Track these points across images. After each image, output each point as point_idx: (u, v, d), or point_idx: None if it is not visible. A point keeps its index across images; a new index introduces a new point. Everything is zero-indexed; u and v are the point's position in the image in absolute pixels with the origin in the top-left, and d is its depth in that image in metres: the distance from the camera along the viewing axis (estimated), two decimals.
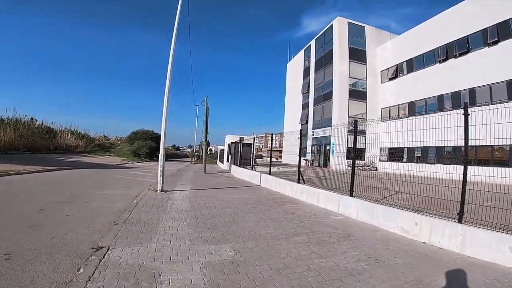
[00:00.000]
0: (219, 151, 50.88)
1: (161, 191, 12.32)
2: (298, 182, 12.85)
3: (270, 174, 16.39)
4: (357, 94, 35.92)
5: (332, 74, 36.58)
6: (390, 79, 35.34)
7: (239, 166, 23.28)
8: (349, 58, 35.82)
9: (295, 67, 50.92)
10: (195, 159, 52.71)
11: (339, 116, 32.53)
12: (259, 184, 16.85)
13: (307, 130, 37.47)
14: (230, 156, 31.58)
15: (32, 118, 38.50)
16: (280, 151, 58.33)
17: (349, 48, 36.12)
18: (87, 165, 24.45)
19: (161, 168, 12.83)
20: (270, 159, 18.45)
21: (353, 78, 35.97)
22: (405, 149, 25.40)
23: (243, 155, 24.27)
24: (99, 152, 46.17)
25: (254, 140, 25.22)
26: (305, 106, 44.21)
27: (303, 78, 45.76)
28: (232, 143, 30.41)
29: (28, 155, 28.28)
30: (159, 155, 13.40)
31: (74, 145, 43.56)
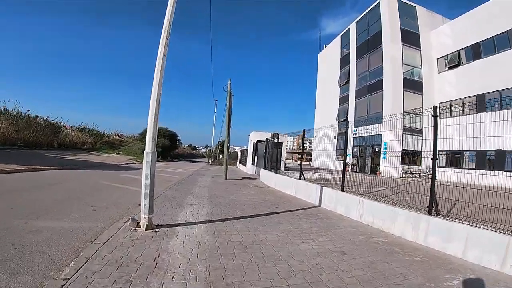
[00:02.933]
0: (239, 151, 45.25)
1: (146, 229, 6.01)
2: (431, 214, 6.62)
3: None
4: (412, 84, 30.45)
5: (381, 60, 31.12)
6: (450, 68, 29.74)
7: (270, 171, 17.85)
8: (402, 42, 30.52)
9: (328, 57, 45.45)
10: (212, 159, 49.18)
11: (392, 111, 26.05)
12: (317, 204, 10.85)
13: (346, 129, 30.97)
14: (255, 157, 26.63)
15: (36, 116, 34.66)
16: (299, 153, 52.62)
17: (401, 29, 30.79)
18: (83, 165, 20.49)
19: (148, 182, 6.57)
20: (300, 162, 14.58)
21: (407, 65, 30.55)
22: (473, 153, 23.28)
23: (273, 157, 18.97)
24: (107, 149, 42.40)
25: (280, 138, 20.09)
26: (343, 100, 38.55)
27: (340, 68, 40.27)
28: (258, 141, 25.51)
29: (22, 151, 25.02)
30: (145, 153, 6.88)
31: (80, 142, 39.73)
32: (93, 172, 17.22)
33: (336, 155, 31.10)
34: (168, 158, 49.53)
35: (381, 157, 25.73)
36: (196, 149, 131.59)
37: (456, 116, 21.50)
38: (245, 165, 32.79)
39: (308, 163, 42.20)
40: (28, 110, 33.20)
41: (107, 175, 16.29)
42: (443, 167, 24.31)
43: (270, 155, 19.22)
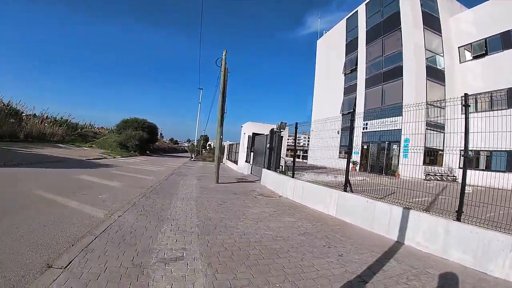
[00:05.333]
0: (226, 146, 40.79)
1: None
2: None
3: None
4: (434, 73, 26.70)
5: (400, 44, 27.20)
6: (475, 57, 26.53)
7: (279, 173, 13.94)
8: (423, 25, 26.78)
9: (330, 43, 41.08)
10: (195, 155, 44.87)
11: (415, 101, 21.91)
12: (395, 239, 6.47)
13: (351, 121, 26.51)
14: (251, 153, 22.08)
15: None
16: (290, 150, 48.70)
17: (422, 11, 27.04)
18: (36, 161, 16.74)
19: None
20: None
21: (429, 51, 26.76)
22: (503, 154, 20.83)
23: (278, 153, 14.85)
24: (78, 142, 38.27)
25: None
26: (349, 90, 34.27)
27: (346, 55, 35.82)
28: (255, 134, 21.40)
29: None
30: None
31: (49, 133, 35.67)
32: (38, 173, 12.78)
33: (339, 153, 27.22)
34: (147, 152, 45.53)
35: (401, 156, 21.54)
36: (178, 143, 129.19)
37: (482, 111, 17.85)
38: (236, 163, 28.14)
39: (300, 160, 38.00)
40: None
41: (54, 178, 11.76)
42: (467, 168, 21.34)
43: (276, 152, 14.71)
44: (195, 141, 53.00)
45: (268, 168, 14.75)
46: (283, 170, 14.58)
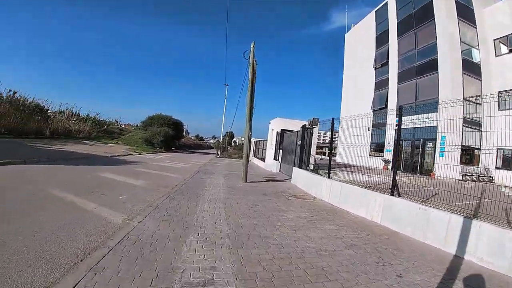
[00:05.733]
0: (253, 143, 40.11)
1: None
2: None
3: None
4: (470, 67, 24.94)
5: (434, 36, 25.59)
6: None
7: (311, 172, 12.89)
8: (458, 16, 25.09)
9: (358, 37, 39.58)
10: (221, 151, 44.27)
11: (452, 97, 20.52)
12: (461, 256, 5.30)
13: (383, 118, 25.38)
14: (279, 151, 21.16)
15: (20, 97, 31.11)
16: (322, 148, 47.34)
17: (455, 2, 25.33)
18: (61, 157, 16.25)
19: None
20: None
21: (465, 43, 25.04)
22: None
23: (309, 151, 13.92)
24: (105, 139, 38.31)
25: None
26: (380, 85, 32.68)
27: (376, 48, 34.25)
28: (284, 131, 20.46)
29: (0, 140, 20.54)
30: None
31: (75, 130, 35.84)
32: (58, 170, 12.25)
33: (370, 150, 26.01)
34: (173, 148, 45.36)
35: (436, 154, 20.15)
36: (204, 140, 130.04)
37: None
38: (263, 160, 27.29)
39: (325, 157, 36.79)
40: (11, 91, 29.69)
41: (74, 176, 11.16)
42: (506, 169, 20.84)
43: (307, 149, 13.81)
44: (221, 137, 52.48)
45: (300, 167, 13.84)
46: (314, 168, 13.71)
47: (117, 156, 22.59)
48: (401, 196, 7.28)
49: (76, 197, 7.48)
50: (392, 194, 7.42)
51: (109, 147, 29.83)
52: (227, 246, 4.72)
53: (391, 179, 7.53)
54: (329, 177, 10.48)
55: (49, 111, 35.67)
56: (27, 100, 31.64)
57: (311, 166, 13.77)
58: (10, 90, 29.84)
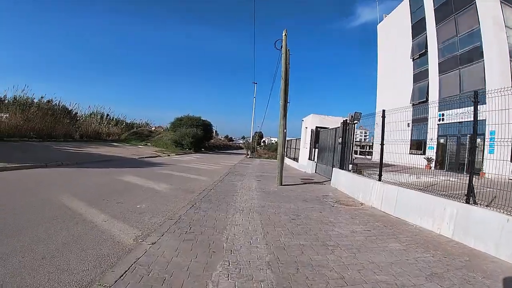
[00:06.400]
0: (285, 142, 39.00)
1: None
2: None
3: None
4: None
5: (477, 21, 23.23)
6: None
7: (350, 172, 12.03)
8: None
9: (392, 27, 37.30)
10: (250, 151, 43.29)
11: (499, 85, 18.58)
12: None
13: (424, 112, 23.40)
14: (314, 150, 19.74)
15: (48, 101, 31.70)
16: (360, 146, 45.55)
17: None
18: (89, 160, 16.22)
19: None
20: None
21: (510, 28, 22.50)
22: None
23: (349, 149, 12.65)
24: (134, 141, 38.40)
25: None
26: (419, 76, 30.49)
27: (412, 38, 31.94)
28: (319, 128, 19.34)
29: (28, 144, 21.45)
30: None
31: (105, 133, 36.68)
32: (77, 174, 11.62)
33: (410, 147, 24.26)
34: (202, 149, 44.96)
35: (485, 151, 18.25)
36: (233, 140, 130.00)
37: None
38: (296, 160, 26.01)
39: (361, 156, 35.04)
40: (42, 97, 30.43)
41: (93, 180, 10.31)
42: None
43: (349, 148, 12.50)
44: (250, 137, 51.58)
45: (341, 168, 12.42)
46: (356, 169, 12.32)
47: (145, 158, 22.14)
48: (477, 204, 5.89)
49: (87, 206, 6.46)
50: (467, 202, 5.99)
51: (138, 149, 29.50)
52: (270, 283, 3.38)
53: (465, 181, 6.15)
54: (380, 179, 9.03)
55: (77, 114, 35.93)
56: (56, 104, 31.87)
57: (350, 166, 12.43)
58: (42, 97, 30.48)
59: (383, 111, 9.34)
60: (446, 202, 6.46)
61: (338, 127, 14.31)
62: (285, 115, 12.33)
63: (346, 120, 12.73)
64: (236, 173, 15.98)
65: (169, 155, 27.84)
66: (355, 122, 12.53)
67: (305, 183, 13.53)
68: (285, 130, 12.64)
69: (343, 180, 11.84)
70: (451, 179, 10.13)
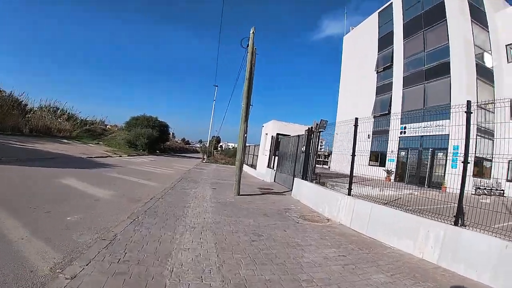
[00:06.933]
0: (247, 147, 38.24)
1: None
2: None
3: None
4: (484, 72, 23.28)
5: (446, 38, 23.71)
6: None
7: (312, 183, 11.29)
8: (471, 17, 23.46)
9: (359, 39, 37.46)
10: (207, 156, 42.00)
11: (465, 102, 18.84)
12: None
13: (385, 125, 23.09)
14: (274, 158, 19.05)
15: None
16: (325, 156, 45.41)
17: (468, 3, 23.71)
18: (29, 157, 14.55)
19: None
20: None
21: (478, 47, 23.36)
22: None
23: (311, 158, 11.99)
24: (86, 139, 36.13)
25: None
26: (382, 89, 30.64)
27: (378, 51, 32.16)
28: (280, 135, 18.82)
29: None
30: None
31: (56, 128, 34.12)
32: (14, 172, 10.20)
33: (370, 159, 24.02)
34: (157, 151, 43.62)
35: (448, 165, 18.29)
36: (190, 144, 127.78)
37: None
38: (254, 167, 25.16)
39: (317, 165, 34.61)
40: None
41: (28, 182, 9.05)
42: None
43: (312, 157, 11.76)
44: (207, 142, 50.37)
45: (304, 178, 11.60)
46: (319, 180, 11.58)
47: (94, 158, 20.59)
48: (465, 226, 5.34)
49: (8, 216, 5.30)
50: (456, 224, 5.41)
51: (88, 148, 27.76)
52: None
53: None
54: (349, 193, 8.23)
55: (27, 106, 33.41)
56: (6, 95, 29.68)
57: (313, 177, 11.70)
58: None
59: (356, 119, 8.75)
60: (430, 223, 5.85)
61: (301, 135, 13.75)
62: (246, 119, 11.35)
63: (311, 127, 11.98)
64: (190, 179, 14.83)
65: (120, 156, 26.38)
66: (320, 130, 11.85)
67: (265, 193, 12.62)
68: (245, 135, 11.66)
69: (306, 192, 11.02)
70: (414, 192, 9.80)
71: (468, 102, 6.01)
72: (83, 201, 7.31)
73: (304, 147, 12.24)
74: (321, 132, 11.90)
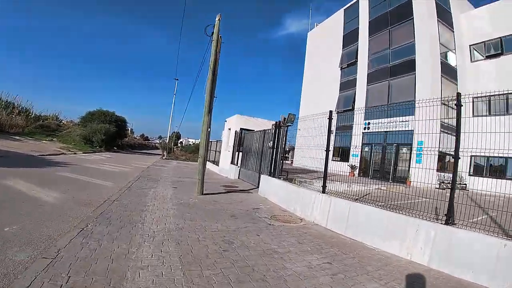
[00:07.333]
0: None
1: None
2: None
3: None
4: (448, 70, 24.04)
5: (412, 36, 24.33)
6: (489, 57, 24.29)
7: (280, 179, 10.80)
8: (437, 17, 24.19)
9: (323, 35, 37.50)
10: (167, 152, 41.02)
11: (430, 98, 19.12)
12: None
13: (349, 120, 23.00)
14: (238, 154, 18.58)
15: None
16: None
17: (435, 3, 24.40)
18: None
19: None
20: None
21: (443, 45, 24.18)
22: None
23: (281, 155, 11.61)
24: (39, 135, 33.88)
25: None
26: (346, 85, 30.70)
27: (343, 47, 32.30)
28: (244, 130, 18.54)
29: None
30: None
31: (7, 124, 31.79)
32: None
33: (333, 154, 23.92)
34: (115, 148, 42.13)
35: (413, 160, 18.41)
36: (149, 140, 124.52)
37: (497, 115, 16.84)
38: (216, 164, 24.55)
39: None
40: None
41: None
42: (480, 176, 21.20)
43: (280, 153, 11.31)
44: (167, 137, 49.11)
45: (272, 175, 11.02)
46: (287, 176, 11.04)
47: (46, 155, 19.21)
48: (455, 224, 5.10)
49: None
50: (448, 223, 5.12)
51: (41, 145, 26.14)
52: None
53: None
54: (324, 191, 7.67)
55: None
56: None
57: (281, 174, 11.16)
58: None
59: (330, 112, 8.42)
60: (419, 222, 5.49)
61: (267, 130, 13.41)
62: (210, 111, 10.55)
63: (279, 122, 11.40)
64: (149, 178, 13.91)
65: (75, 153, 24.98)
66: (288, 124, 11.32)
67: (230, 191, 11.93)
68: (209, 129, 10.87)
69: (275, 189, 10.44)
70: (382, 187, 9.69)
71: (458, 94, 5.78)
72: (27, 206, 6.32)
73: (271, 142, 11.68)
74: (289, 127, 11.43)
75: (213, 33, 10.64)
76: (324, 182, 7.80)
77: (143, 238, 4.95)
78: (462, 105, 5.71)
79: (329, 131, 8.13)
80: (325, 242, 5.90)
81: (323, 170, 7.93)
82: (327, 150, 8.01)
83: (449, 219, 5.07)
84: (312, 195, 8.00)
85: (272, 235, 6.00)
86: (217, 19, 10.65)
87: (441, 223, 5.16)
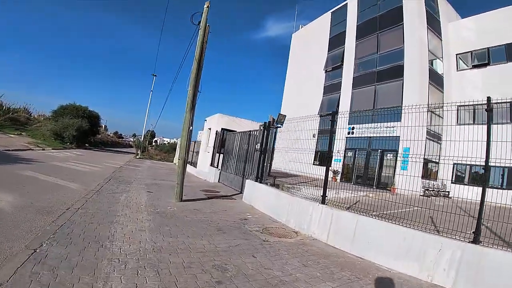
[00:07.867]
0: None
1: None
2: None
3: None
4: (435, 77, 24.38)
5: (401, 41, 24.42)
6: (475, 66, 24.73)
7: (267, 185, 10.04)
8: (427, 24, 24.47)
9: (308, 37, 37.17)
10: (141, 151, 40.11)
11: (417, 104, 19.03)
12: None
13: (332, 125, 22.64)
14: (219, 156, 17.61)
15: None
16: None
17: (426, 10, 24.71)
18: None
19: None
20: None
21: (431, 53, 24.51)
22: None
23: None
24: (7, 129, 32.05)
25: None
26: (330, 88, 30.42)
27: (329, 50, 32.10)
28: (225, 130, 17.77)
29: None
30: None
31: None
32: None
33: (314, 159, 23.44)
34: (87, 145, 40.35)
35: (398, 167, 18.45)
36: (123, 137, 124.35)
37: (483, 124, 15.36)
38: (194, 166, 23.40)
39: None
40: None
41: None
42: (464, 184, 20.56)
43: (269, 156, 10.62)
44: (142, 136, 47.74)
45: (259, 180, 10.06)
46: (274, 182, 10.16)
47: (12, 151, 18.15)
48: (481, 243, 4.64)
49: None
50: (476, 242, 4.62)
51: (8, 139, 24.51)
52: None
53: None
54: (323, 202, 6.79)
55: None
56: None
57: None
58: None
59: (333, 112, 7.79)
60: (441, 241, 4.92)
61: (252, 131, 12.67)
62: (193, 107, 9.53)
63: (268, 122, 10.50)
64: (121, 179, 12.76)
65: (43, 149, 23.76)
66: (278, 126, 10.52)
67: (211, 197, 10.90)
68: (191, 128, 9.81)
69: (262, 197, 9.52)
70: (370, 194, 9.17)
71: (488, 98, 5.32)
72: None
73: (259, 144, 10.79)
74: (279, 128, 10.67)
75: (199, 22, 9.65)
76: (324, 192, 6.94)
77: (112, 266, 3.79)
78: (492, 110, 5.39)
79: (331, 135, 7.35)
80: (332, 263, 5.06)
81: (324, 177, 7.15)
82: (329, 156, 7.21)
83: (477, 238, 4.57)
84: (310, 206, 7.11)
85: (270, 256, 5.04)
86: (205, 6, 9.66)
87: (469, 242, 4.62)
